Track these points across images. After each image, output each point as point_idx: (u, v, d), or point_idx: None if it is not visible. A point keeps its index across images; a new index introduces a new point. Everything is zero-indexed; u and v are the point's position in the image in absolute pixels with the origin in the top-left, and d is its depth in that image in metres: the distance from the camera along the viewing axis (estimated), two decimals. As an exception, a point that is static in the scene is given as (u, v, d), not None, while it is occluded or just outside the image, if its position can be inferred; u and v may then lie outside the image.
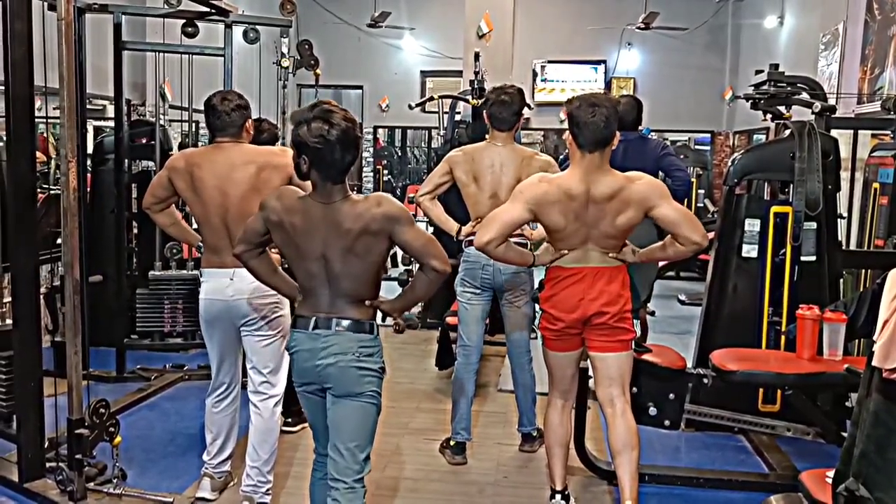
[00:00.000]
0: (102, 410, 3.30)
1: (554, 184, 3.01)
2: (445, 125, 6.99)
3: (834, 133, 4.31)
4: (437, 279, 2.47)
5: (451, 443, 3.91)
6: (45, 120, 5.15)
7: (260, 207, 2.53)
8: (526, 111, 3.95)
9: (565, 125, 3.09)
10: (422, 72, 12.51)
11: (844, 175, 4.62)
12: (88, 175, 5.48)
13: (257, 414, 3.23)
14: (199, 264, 5.38)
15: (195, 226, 3.46)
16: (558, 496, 3.27)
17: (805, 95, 4.62)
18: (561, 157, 6.73)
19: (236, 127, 3.21)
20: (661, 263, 4.16)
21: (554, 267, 3.10)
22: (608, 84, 11.96)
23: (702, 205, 10.64)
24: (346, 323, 2.46)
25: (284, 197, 2.50)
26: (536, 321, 3.39)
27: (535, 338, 4.06)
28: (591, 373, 3.38)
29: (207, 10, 5.05)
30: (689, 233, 2.90)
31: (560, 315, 3.07)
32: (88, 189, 5.41)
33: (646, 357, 3.91)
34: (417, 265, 2.57)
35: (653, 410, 3.82)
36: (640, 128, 4.93)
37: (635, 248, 3.13)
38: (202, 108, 3.33)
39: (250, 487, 3.18)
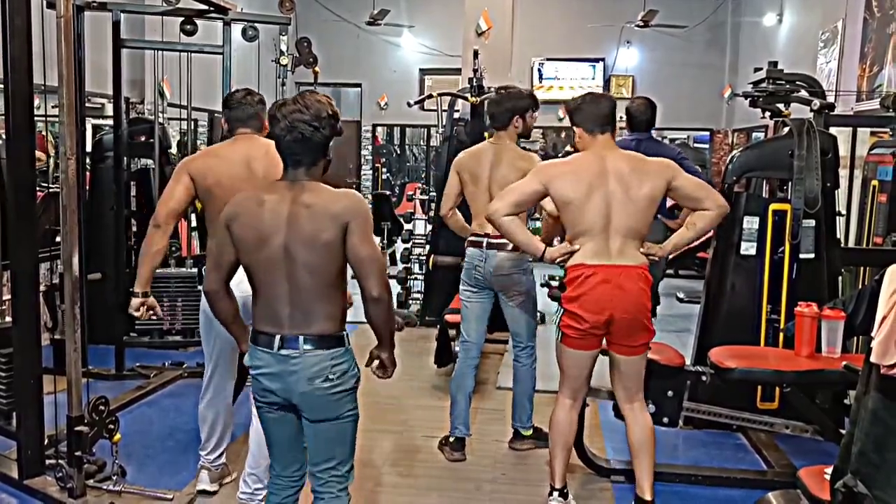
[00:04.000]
0: (102, 408, 3.30)
1: (567, 161, 3.17)
2: (444, 123, 6.99)
3: (833, 131, 4.31)
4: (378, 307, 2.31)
5: (451, 439, 3.92)
6: (43, 118, 5.15)
7: (219, 227, 2.37)
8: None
9: (564, 123, 3.15)
10: (420, 70, 12.52)
11: (843, 173, 4.62)
12: (87, 173, 5.48)
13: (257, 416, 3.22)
14: (198, 262, 5.42)
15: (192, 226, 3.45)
16: (556, 493, 3.26)
17: (804, 93, 4.62)
18: (560, 154, 6.72)
19: (260, 120, 3.28)
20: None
21: (577, 265, 3.04)
22: (607, 82, 11.97)
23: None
24: (314, 340, 2.29)
25: (240, 202, 2.36)
26: (556, 320, 3.23)
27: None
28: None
29: (206, 7, 5.05)
30: (714, 196, 3.07)
31: (587, 315, 3.01)
32: (87, 187, 5.41)
33: (644, 354, 3.91)
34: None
35: (651, 408, 3.78)
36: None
37: (661, 245, 3.16)
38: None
39: (247, 495, 3.14)
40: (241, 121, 3.26)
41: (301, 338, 2.29)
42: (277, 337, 2.30)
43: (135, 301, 3.21)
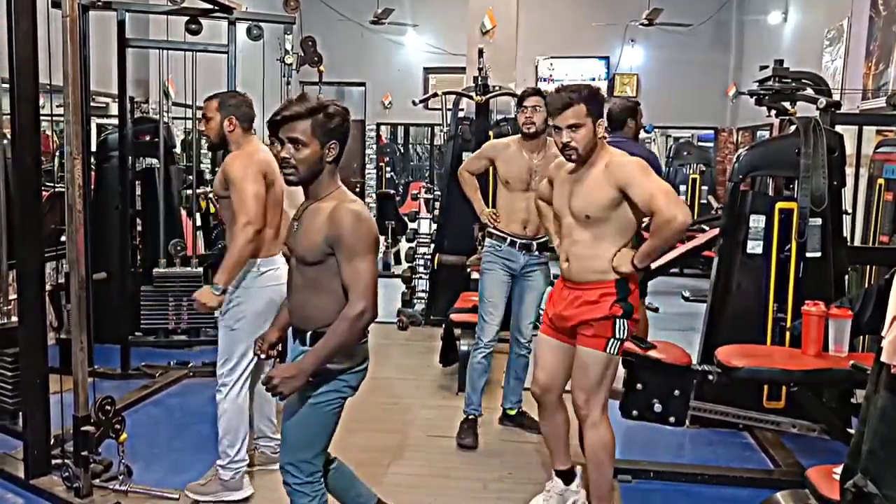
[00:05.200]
0: (108, 407, 3.30)
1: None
2: (449, 122, 6.99)
3: (839, 129, 4.30)
4: None
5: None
6: (49, 117, 5.15)
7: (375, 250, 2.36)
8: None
9: None
10: (425, 69, 12.49)
11: (849, 171, 4.61)
12: (92, 172, 5.49)
13: None
14: (202, 261, 5.42)
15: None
16: None
17: (810, 91, 4.61)
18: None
19: None
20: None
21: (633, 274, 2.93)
22: (611, 80, 11.94)
23: (705, 201, 10.65)
24: None
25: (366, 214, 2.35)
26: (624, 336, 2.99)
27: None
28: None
29: (211, 7, 5.05)
30: None
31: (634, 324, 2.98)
32: (92, 186, 5.42)
33: (651, 353, 3.90)
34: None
35: (658, 407, 3.79)
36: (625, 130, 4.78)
37: None
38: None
39: None
40: (251, 122, 3.29)
41: None
42: None
43: (218, 299, 3.10)
